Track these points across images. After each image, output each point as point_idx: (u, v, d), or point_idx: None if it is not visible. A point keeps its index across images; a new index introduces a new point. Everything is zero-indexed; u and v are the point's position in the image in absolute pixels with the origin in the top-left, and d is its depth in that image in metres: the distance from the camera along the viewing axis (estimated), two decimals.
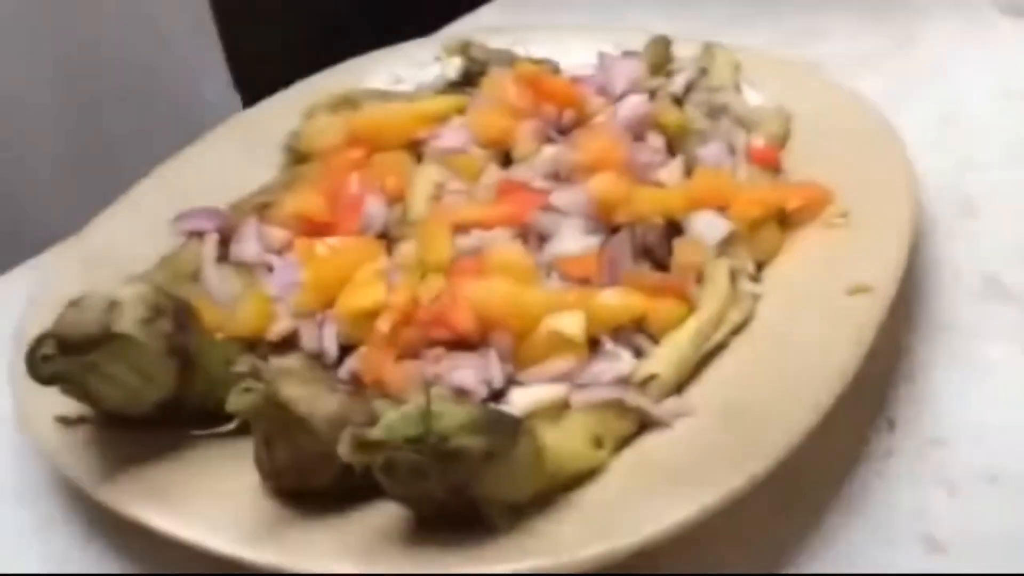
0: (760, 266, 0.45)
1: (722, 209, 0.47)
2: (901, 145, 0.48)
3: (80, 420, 0.41)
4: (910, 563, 0.36)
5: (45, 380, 0.38)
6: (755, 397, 0.39)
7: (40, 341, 0.38)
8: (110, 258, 0.48)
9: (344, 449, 0.35)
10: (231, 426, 0.38)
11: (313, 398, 0.38)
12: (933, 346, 0.44)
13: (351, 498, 0.38)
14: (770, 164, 0.50)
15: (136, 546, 0.39)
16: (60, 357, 0.38)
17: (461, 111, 0.54)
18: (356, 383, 0.42)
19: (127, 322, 0.39)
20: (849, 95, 0.52)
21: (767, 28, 0.62)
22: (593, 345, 0.42)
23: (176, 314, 0.41)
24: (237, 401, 0.37)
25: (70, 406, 0.41)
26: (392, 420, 0.36)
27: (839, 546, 0.37)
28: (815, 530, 0.38)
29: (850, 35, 0.62)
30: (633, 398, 0.40)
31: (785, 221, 0.47)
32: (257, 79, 0.63)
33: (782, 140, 0.51)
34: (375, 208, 0.49)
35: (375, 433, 0.35)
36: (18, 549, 0.41)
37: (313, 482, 0.38)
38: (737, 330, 0.43)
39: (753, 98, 0.53)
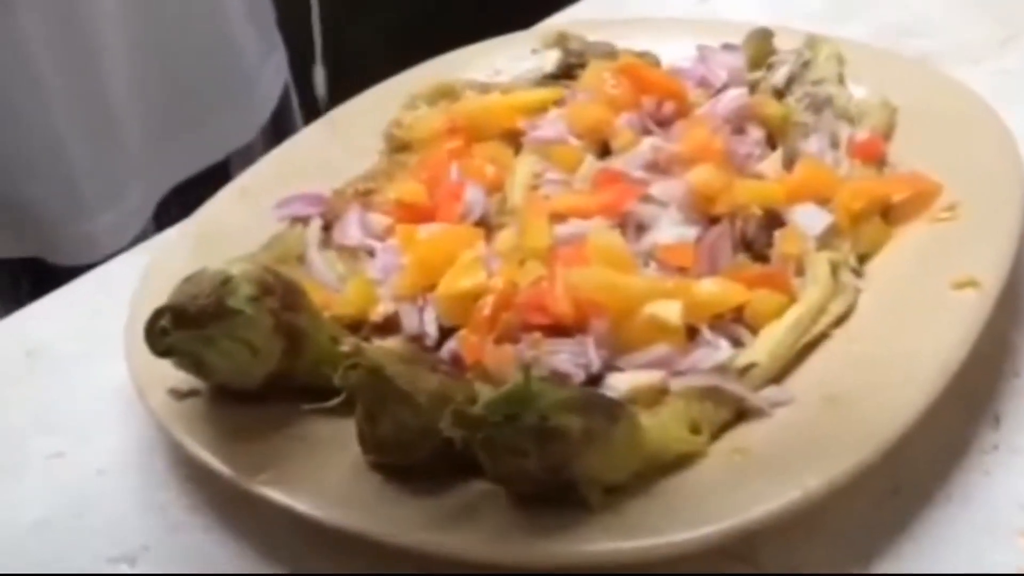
0: (865, 259, 0.45)
1: (824, 202, 0.46)
2: (1010, 138, 0.47)
3: (192, 392, 0.42)
4: (1014, 556, 0.36)
5: (161, 352, 0.40)
6: (857, 389, 0.39)
7: (158, 314, 0.40)
8: (218, 241, 0.50)
9: (445, 424, 0.36)
10: (336, 401, 0.39)
11: (415, 376, 0.39)
12: None
13: (449, 475, 0.38)
14: (874, 157, 0.49)
15: (242, 513, 0.41)
16: (175, 331, 0.40)
17: (558, 103, 0.55)
18: (455, 365, 0.43)
19: (238, 298, 0.40)
20: (957, 87, 0.51)
21: (869, 22, 0.62)
22: (691, 334, 0.42)
23: (284, 293, 0.42)
24: (344, 376, 0.38)
25: (182, 379, 0.42)
26: (493, 398, 0.36)
27: (942, 539, 0.37)
28: (918, 522, 0.37)
29: (955, 29, 0.61)
30: (731, 385, 0.40)
31: (891, 214, 0.46)
32: (358, 71, 0.65)
33: (887, 133, 0.50)
34: (474, 196, 0.50)
35: (476, 410, 0.36)
36: (130, 515, 0.42)
37: (413, 457, 0.38)
38: (839, 322, 0.42)
39: (857, 91, 0.52)
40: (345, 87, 0.60)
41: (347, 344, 0.39)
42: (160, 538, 0.41)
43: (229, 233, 0.50)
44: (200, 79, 0.72)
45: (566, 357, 0.42)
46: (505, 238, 0.47)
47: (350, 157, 0.55)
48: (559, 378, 0.41)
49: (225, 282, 0.40)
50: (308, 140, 0.58)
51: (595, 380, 0.41)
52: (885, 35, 0.59)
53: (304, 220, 0.51)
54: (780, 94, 0.54)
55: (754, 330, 0.43)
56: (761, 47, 0.56)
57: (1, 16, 0.62)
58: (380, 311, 0.46)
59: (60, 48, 0.64)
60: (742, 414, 0.40)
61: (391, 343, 0.45)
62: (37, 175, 0.67)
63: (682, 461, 0.38)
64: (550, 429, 0.35)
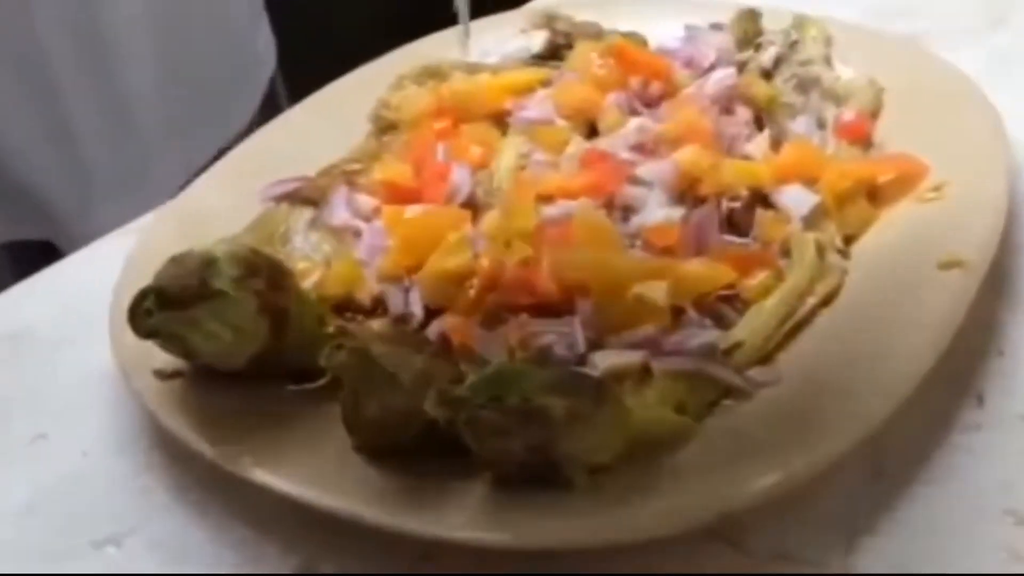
0: (851, 239, 0.45)
1: (811, 182, 0.46)
2: (997, 118, 0.47)
3: (176, 374, 0.42)
4: (996, 536, 0.36)
5: (145, 334, 0.40)
6: (843, 369, 0.39)
7: (142, 295, 0.40)
8: (203, 222, 0.50)
9: (430, 405, 0.36)
10: (322, 382, 0.39)
11: (400, 357, 0.38)
12: None
13: (434, 456, 0.38)
14: (860, 138, 0.49)
15: (227, 495, 0.41)
16: (159, 312, 0.40)
17: (545, 83, 0.55)
18: (441, 346, 0.43)
19: (223, 279, 0.40)
20: (944, 67, 0.51)
21: (857, 5, 0.61)
22: (677, 314, 0.42)
23: (269, 274, 0.42)
24: (329, 357, 0.37)
25: (167, 360, 0.42)
26: (476, 379, 0.36)
27: (926, 518, 0.37)
28: (902, 502, 0.37)
29: (944, 10, 0.61)
30: (714, 368, 0.40)
31: (877, 195, 0.46)
32: (344, 53, 0.65)
33: (874, 113, 0.50)
34: (461, 177, 0.50)
35: (460, 390, 0.36)
36: (115, 498, 0.42)
37: (398, 438, 0.38)
38: (825, 303, 0.42)
39: (844, 71, 0.52)
40: (334, 69, 0.60)
41: (332, 325, 0.39)
42: (145, 520, 0.41)
43: (215, 214, 0.50)
44: (208, 63, 0.72)
45: (552, 338, 0.42)
46: (491, 219, 0.47)
47: (336, 137, 0.54)
48: (545, 359, 0.41)
49: (209, 263, 0.40)
50: (294, 120, 0.57)
51: (582, 361, 0.41)
52: (875, 16, 0.59)
53: (289, 199, 0.51)
54: (768, 74, 0.53)
55: (740, 311, 0.43)
56: (749, 27, 0.56)
57: (18, 12, 0.62)
58: (366, 292, 0.46)
59: (77, 40, 0.64)
60: (728, 393, 0.40)
61: (377, 324, 0.45)
62: (50, 164, 0.67)
63: (667, 441, 0.38)
64: (533, 409, 0.35)
